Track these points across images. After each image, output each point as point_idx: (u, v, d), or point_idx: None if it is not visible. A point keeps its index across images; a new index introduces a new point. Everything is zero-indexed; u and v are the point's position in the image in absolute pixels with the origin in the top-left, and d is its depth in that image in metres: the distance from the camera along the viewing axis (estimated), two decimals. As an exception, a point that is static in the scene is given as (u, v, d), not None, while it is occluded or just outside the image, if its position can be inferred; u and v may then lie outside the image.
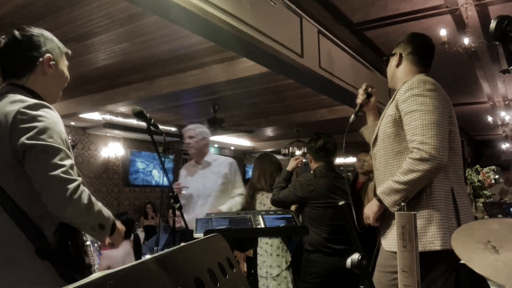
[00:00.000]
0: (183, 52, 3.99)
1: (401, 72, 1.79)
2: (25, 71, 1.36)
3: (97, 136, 7.70)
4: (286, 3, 3.37)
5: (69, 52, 1.51)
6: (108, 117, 6.83)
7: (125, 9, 3.10)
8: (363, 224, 1.77)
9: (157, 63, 4.34)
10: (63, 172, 1.20)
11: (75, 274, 1.22)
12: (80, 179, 1.26)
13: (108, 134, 7.74)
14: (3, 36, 1.37)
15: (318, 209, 2.62)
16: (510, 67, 0.96)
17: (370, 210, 1.69)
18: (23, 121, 1.22)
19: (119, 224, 1.45)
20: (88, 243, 1.44)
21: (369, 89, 1.93)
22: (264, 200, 3.10)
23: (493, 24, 0.98)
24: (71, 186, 1.20)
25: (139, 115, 1.92)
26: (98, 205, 1.31)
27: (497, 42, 0.99)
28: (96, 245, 3.58)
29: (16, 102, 1.26)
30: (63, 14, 3.20)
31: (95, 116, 6.70)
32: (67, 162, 1.23)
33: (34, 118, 1.23)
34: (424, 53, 1.78)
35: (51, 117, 1.27)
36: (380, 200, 1.63)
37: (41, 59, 1.37)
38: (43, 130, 1.22)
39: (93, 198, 1.28)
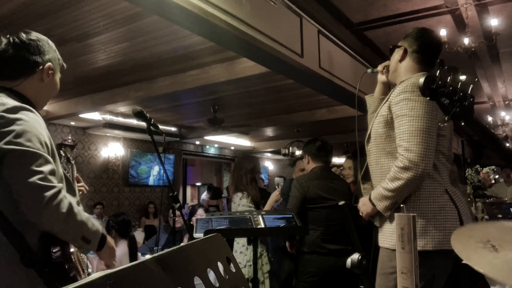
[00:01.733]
0: (183, 52, 3.99)
1: (403, 68, 1.79)
2: (21, 74, 1.33)
3: (97, 136, 7.70)
4: (286, 3, 3.37)
5: (65, 65, 1.50)
6: (108, 117, 6.82)
7: (125, 9, 3.10)
8: (365, 221, 1.81)
9: (157, 63, 4.34)
10: (40, 179, 1.14)
11: (57, 282, 1.19)
12: (60, 185, 1.20)
13: (108, 134, 7.73)
14: (7, 36, 1.34)
15: (312, 210, 2.63)
16: (447, 117, 1.04)
17: (364, 209, 1.75)
18: (1, 125, 1.17)
19: (110, 240, 1.39)
20: None
21: (384, 71, 1.95)
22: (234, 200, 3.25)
23: (421, 81, 1.04)
24: (48, 193, 1.14)
25: (139, 115, 1.92)
26: (83, 216, 1.24)
27: (428, 98, 1.05)
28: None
29: None
30: (63, 14, 3.20)
31: (95, 116, 6.69)
32: (46, 168, 1.18)
33: (12, 122, 1.18)
34: (429, 53, 1.77)
35: (30, 120, 1.22)
36: (373, 204, 1.69)
37: (41, 67, 1.35)
38: (21, 134, 1.17)
39: (75, 208, 1.22)
